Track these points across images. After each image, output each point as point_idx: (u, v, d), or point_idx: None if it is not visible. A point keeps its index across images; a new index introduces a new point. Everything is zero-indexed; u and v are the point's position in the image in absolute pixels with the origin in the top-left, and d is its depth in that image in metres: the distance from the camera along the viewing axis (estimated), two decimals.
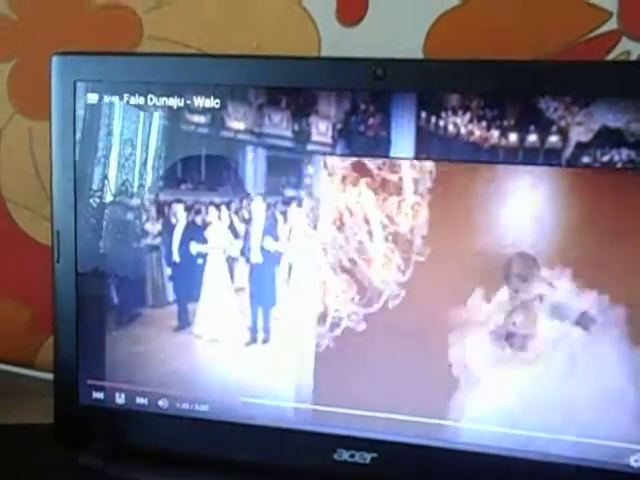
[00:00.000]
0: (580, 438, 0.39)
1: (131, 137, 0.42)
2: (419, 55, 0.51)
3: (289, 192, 0.40)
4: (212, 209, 0.42)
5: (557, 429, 0.39)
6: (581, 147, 0.37)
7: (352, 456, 0.40)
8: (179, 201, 0.42)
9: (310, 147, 0.40)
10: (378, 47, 0.50)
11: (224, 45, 0.52)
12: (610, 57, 0.49)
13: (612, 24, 0.48)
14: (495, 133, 0.38)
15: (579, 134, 0.37)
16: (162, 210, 0.42)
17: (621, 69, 0.39)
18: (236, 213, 0.42)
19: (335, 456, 0.40)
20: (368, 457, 0.40)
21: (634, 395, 0.38)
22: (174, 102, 0.40)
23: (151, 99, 0.41)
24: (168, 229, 0.42)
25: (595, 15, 0.49)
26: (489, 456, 0.39)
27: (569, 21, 0.49)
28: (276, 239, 0.41)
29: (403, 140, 0.39)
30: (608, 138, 0.36)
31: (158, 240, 0.43)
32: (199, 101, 0.40)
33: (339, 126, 0.39)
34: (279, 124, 0.40)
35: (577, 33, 0.49)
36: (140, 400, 0.43)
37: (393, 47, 0.50)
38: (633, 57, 0.49)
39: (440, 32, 0.51)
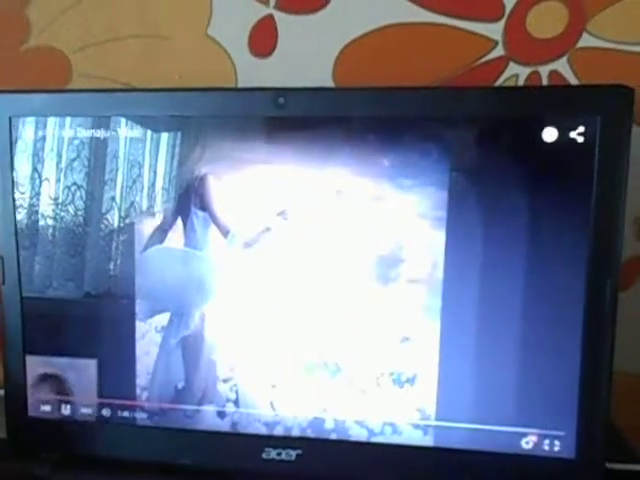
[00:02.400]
0: (472, 425, 0.42)
1: (64, 167, 0.45)
2: (330, 83, 0.55)
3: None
4: None
5: (451, 418, 0.43)
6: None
7: (279, 454, 0.43)
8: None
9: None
10: (291, 76, 0.55)
11: (150, 78, 0.57)
12: (501, 80, 0.53)
13: (499, 51, 0.53)
14: (391, 155, 0.42)
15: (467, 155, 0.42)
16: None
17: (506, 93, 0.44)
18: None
19: (263, 455, 0.44)
20: (293, 454, 0.43)
21: (521, 380, 0.42)
22: (101, 133, 0.44)
23: (80, 131, 0.44)
24: None
25: (483, 43, 0.53)
26: (399, 447, 0.43)
27: (460, 49, 0.53)
28: None
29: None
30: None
31: None
32: (123, 132, 0.44)
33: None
34: (192, 151, 0.44)
35: (468, 60, 0.53)
36: (85, 410, 0.46)
37: (305, 76, 0.55)
38: (521, 79, 0.53)
39: (347, 60, 0.54)
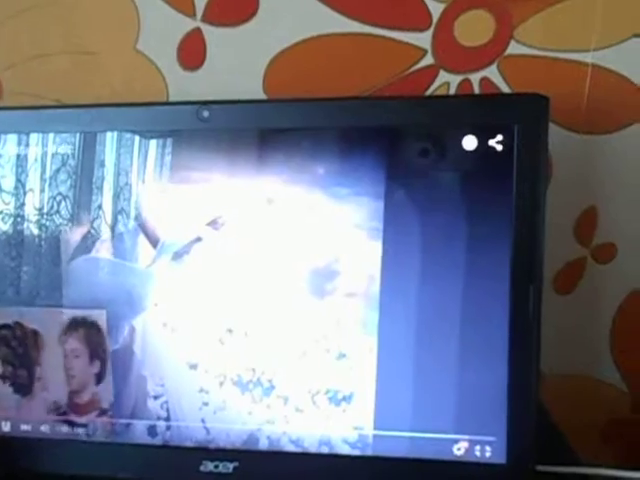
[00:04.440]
0: (406, 433, 0.42)
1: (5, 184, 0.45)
2: (261, 95, 0.55)
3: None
4: None
5: (387, 427, 0.42)
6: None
7: (216, 467, 0.43)
8: None
9: None
10: (221, 89, 0.54)
11: (80, 94, 0.56)
12: (432, 88, 0.53)
13: (429, 59, 0.53)
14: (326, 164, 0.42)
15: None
16: None
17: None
18: None
19: (201, 467, 0.43)
20: (230, 466, 0.43)
21: (453, 388, 0.41)
22: (34, 150, 0.44)
23: (10, 150, 0.44)
24: None
25: (412, 52, 0.53)
26: (337, 457, 0.42)
27: (389, 59, 0.53)
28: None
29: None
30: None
31: None
32: (51, 148, 0.44)
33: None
34: (121, 161, 0.44)
35: (399, 69, 0.53)
36: (24, 427, 0.45)
37: (236, 88, 0.54)
38: (452, 87, 0.53)
39: (277, 71, 0.54)
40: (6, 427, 0.45)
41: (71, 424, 0.45)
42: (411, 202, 0.41)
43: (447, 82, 0.53)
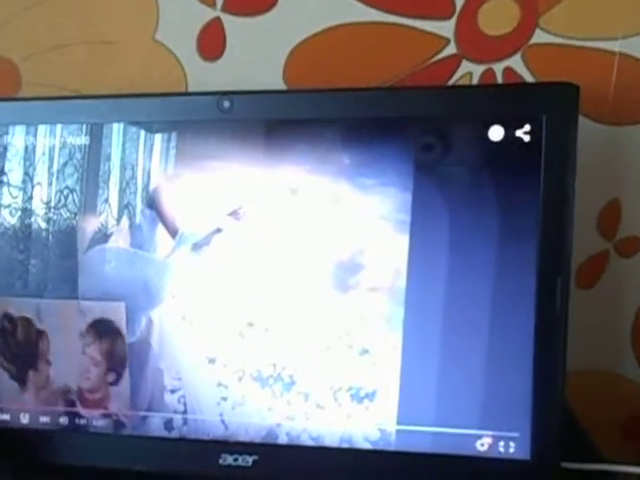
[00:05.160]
0: (429, 428, 0.41)
1: (20, 174, 0.44)
2: (280, 85, 0.54)
3: None
4: None
5: (410, 422, 0.41)
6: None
7: (235, 460, 0.42)
8: None
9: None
10: (241, 79, 0.53)
11: (98, 85, 0.55)
12: (454, 78, 0.52)
13: (452, 49, 0.52)
14: (352, 153, 0.41)
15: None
16: None
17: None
18: None
19: (220, 461, 0.43)
20: (250, 460, 0.42)
21: (478, 384, 0.40)
22: (51, 141, 0.43)
23: (30, 139, 0.44)
24: None
25: (435, 42, 0.52)
26: (358, 451, 0.42)
27: (412, 48, 0.52)
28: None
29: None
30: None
31: None
32: (70, 139, 0.43)
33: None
34: (140, 150, 0.43)
35: (420, 58, 0.52)
36: (43, 419, 0.45)
37: (255, 79, 0.53)
38: (475, 77, 0.52)
39: (297, 62, 0.53)
40: (25, 419, 0.45)
41: (88, 417, 0.45)
42: (439, 194, 0.40)
43: (470, 72, 0.52)
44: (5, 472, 0.45)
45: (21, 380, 0.45)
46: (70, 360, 0.44)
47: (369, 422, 0.42)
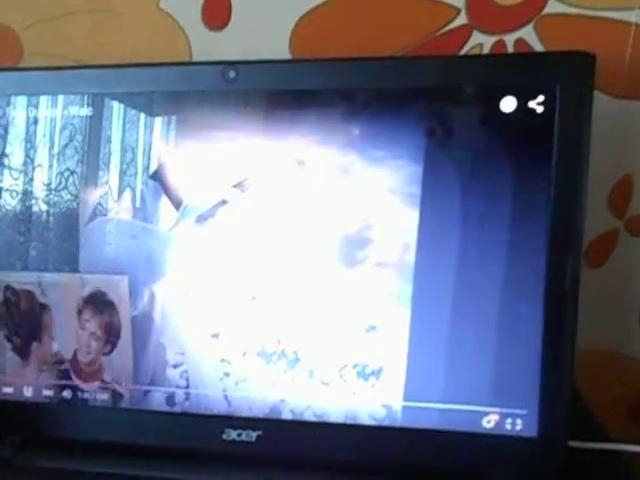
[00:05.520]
0: (435, 404, 0.40)
1: (19, 146, 0.43)
2: (287, 55, 0.53)
3: None
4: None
5: (416, 399, 0.41)
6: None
7: (239, 435, 0.42)
8: None
9: None
10: (246, 50, 0.52)
11: (102, 54, 0.55)
12: (464, 50, 0.51)
13: (462, 19, 0.51)
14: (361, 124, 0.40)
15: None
16: None
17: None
18: None
19: (224, 436, 0.42)
20: (254, 435, 0.42)
21: (485, 361, 0.39)
22: (54, 112, 0.42)
23: (32, 110, 0.43)
24: None
25: (445, 11, 0.51)
26: (355, 427, 0.41)
27: (422, 18, 0.51)
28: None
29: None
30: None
31: None
32: (73, 110, 0.42)
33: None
34: (146, 130, 0.42)
35: (430, 29, 0.51)
36: (46, 392, 0.45)
37: (261, 48, 0.52)
38: (486, 49, 0.51)
39: (303, 32, 0.52)
40: (28, 392, 0.45)
41: (90, 391, 0.44)
42: (450, 167, 0.39)
43: (480, 43, 0.51)
44: (7, 445, 0.44)
45: (24, 353, 0.45)
46: (73, 334, 0.44)
47: (374, 400, 0.41)
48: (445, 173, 0.39)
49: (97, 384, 0.44)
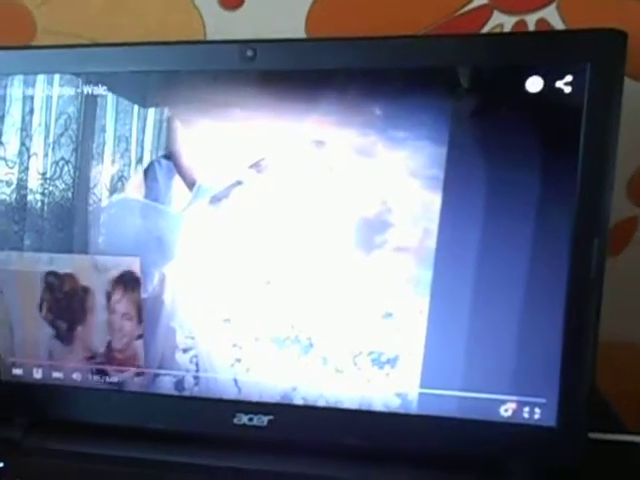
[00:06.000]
0: (451, 392, 0.39)
1: (32, 125, 0.42)
2: (302, 35, 0.52)
3: None
4: None
5: (432, 386, 0.40)
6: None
7: (250, 420, 0.42)
8: None
9: None
10: (262, 29, 0.51)
11: (114, 33, 0.54)
12: (484, 30, 0.49)
13: None
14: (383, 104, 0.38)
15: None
16: None
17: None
18: None
19: (235, 420, 0.42)
20: (265, 420, 0.42)
21: (504, 348, 0.39)
22: (67, 92, 0.42)
23: (46, 89, 0.42)
24: None
25: None
26: (370, 413, 0.41)
27: None
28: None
29: None
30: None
31: None
32: (86, 89, 0.41)
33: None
34: (160, 108, 0.41)
35: (450, 9, 0.50)
36: (56, 374, 0.44)
37: (276, 28, 0.51)
38: (506, 29, 0.49)
39: (320, 12, 0.51)
40: (38, 374, 0.45)
41: (102, 373, 0.44)
42: (474, 150, 0.38)
43: (501, 24, 0.49)
44: (17, 427, 0.44)
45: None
46: (92, 316, 0.43)
47: (389, 388, 0.40)
48: (469, 156, 0.38)
49: (123, 366, 0.44)
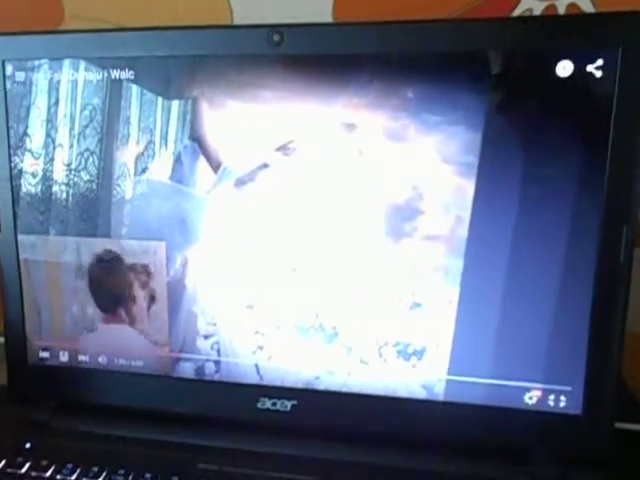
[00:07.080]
0: (477, 379, 0.39)
1: (59, 111, 0.42)
2: (329, 19, 0.51)
3: None
4: None
5: (457, 373, 0.39)
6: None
7: (274, 404, 0.42)
8: None
9: None
10: (289, 14, 0.50)
11: (141, 18, 0.54)
12: (514, 15, 0.49)
13: None
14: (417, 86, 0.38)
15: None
16: None
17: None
18: None
19: (258, 404, 0.42)
20: (289, 404, 0.42)
21: (531, 336, 0.38)
22: (94, 76, 0.42)
23: (73, 74, 0.42)
24: None
25: None
26: (394, 400, 0.41)
27: None
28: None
29: None
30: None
31: None
32: (114, 73, 0.41)
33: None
34: (186, 91, 0.41)
35: None
36: (82, 357, 0.45)
37: (303, 13, 0.51)
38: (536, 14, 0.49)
39: None
40: (64, 357, 0.45)
41: (127, 357, 0.44)
42: (509, 136, 0.37)
43: (530, 8, 0.49)
44: (44, 409, 0.45)
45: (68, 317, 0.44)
46: (113, 299, 0.44)
47: (415, 379, 0.40)
48: (504, 142, 0.37)
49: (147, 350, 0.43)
